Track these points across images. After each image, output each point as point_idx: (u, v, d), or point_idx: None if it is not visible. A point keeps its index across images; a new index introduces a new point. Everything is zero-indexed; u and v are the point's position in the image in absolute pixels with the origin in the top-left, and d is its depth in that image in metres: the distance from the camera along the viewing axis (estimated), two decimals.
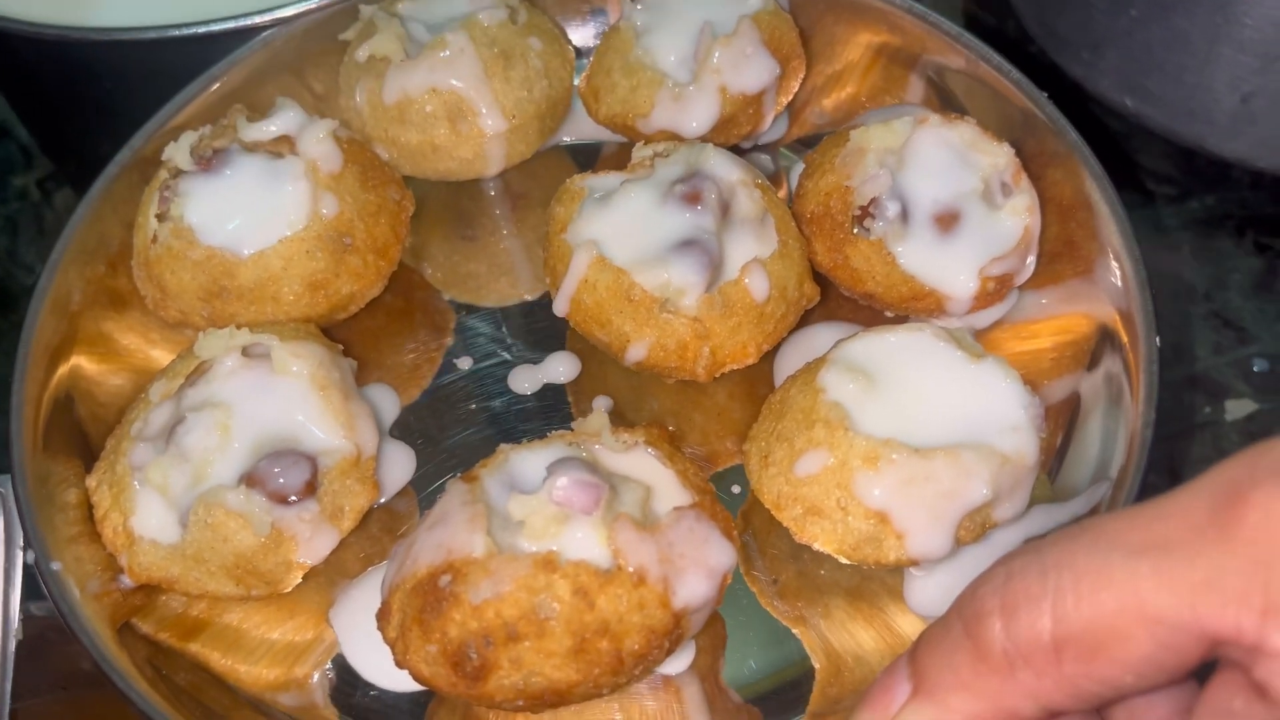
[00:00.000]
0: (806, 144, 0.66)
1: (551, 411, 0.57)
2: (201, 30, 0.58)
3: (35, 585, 0.47)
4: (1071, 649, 0.34)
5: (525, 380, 0.58)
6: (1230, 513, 0.31)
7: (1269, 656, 0.30)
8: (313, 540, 0.48)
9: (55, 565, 0.46)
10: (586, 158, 0.66)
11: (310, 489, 0.47)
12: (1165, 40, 0.64)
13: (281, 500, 0.47)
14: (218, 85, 0.61)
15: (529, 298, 0.62)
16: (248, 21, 0.58)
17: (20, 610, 0.46)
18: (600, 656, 0.41)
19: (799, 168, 0.63)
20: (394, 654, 0.43)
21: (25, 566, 0.47)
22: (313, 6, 0.60)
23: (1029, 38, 0.73)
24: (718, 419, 0.57)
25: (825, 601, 0.51)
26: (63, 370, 0.54)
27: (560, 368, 0.58)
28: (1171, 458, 0.61)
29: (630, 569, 0.41)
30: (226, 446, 0.48)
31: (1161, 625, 0.32)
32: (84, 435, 0.53)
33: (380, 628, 0.44)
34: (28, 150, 0.78)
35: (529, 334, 0.60)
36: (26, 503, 0.47)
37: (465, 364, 0.59)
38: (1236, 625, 0.31)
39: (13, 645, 0.46)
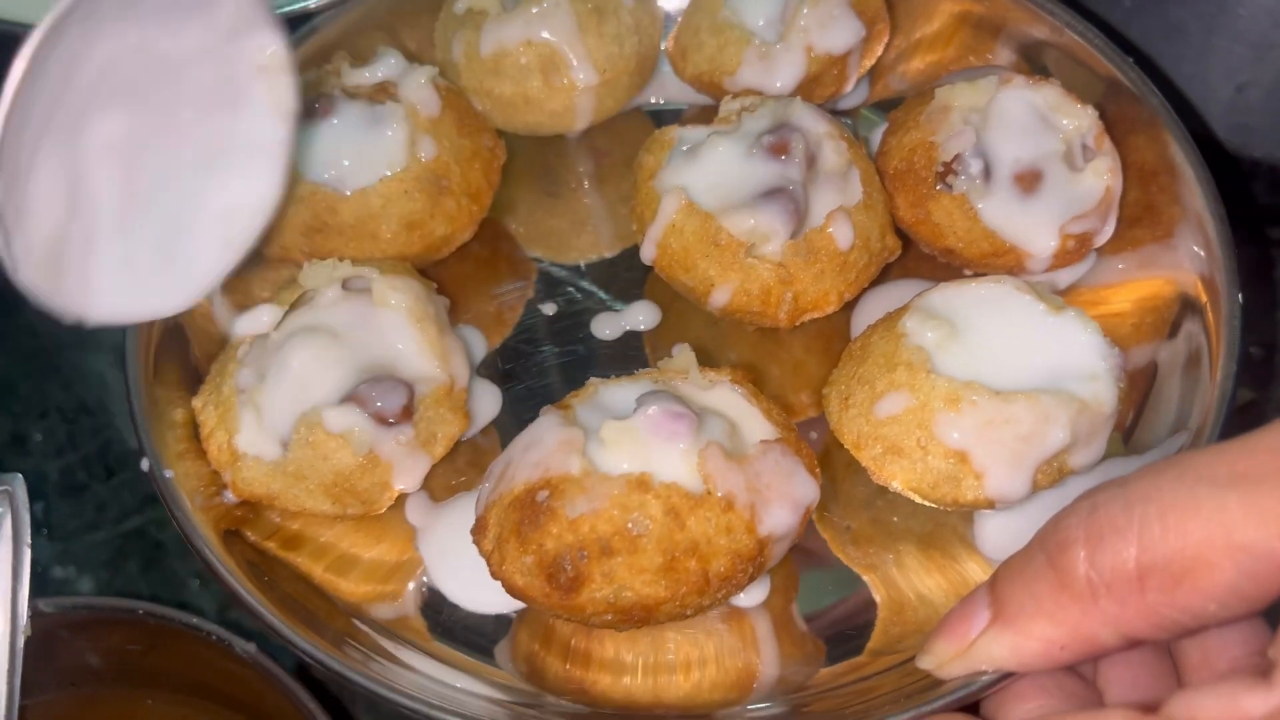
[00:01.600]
0: (887, 108, 0.66)
1: (633, 357, 0.59)
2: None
3: (43, 582, 0.49)
4: (1156, 577, 0.35)
5: (607, 326, 0.59)
6: None
7: None
8: (407, 463, 0.50)
9: (168, 473, 0.48)
10: (669, 120, 0.67)
11: (407, 413, 0.49)
12: (1161, 30, 0.64)
13: (381, 422, 0.49)
14: (316, 37, 0.63)
15: (609, 254, 0.63)
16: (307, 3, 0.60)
17: (29, 607, 0.46)
18: (688, 575, 0.43)
19: (880, 131, 0.64)
20: (489, 565, 0.45)
21: (33, 563, 0.47)
22: None
23: None
24: (794, 371, 0.58)
25: (897, 548, 0.52)
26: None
27: (641, 316, 0.60)
28: None
29: (719, 494, 0.43)
30: (328, 370, 0.50)
31: (1247, 554, 0.33)
32: (189, 368, 0.55)
33: (476, 541, 0.46)
34: None
35: (612, 284, 0.61)
36: (140, 416, 0.50)
37: (549, 309, 0.60)
38: None
39: (21, 642, 0.46)
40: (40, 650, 0.47)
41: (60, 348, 0.70)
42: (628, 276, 0.61)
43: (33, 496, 0.47)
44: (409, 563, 0.53)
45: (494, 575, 0.45)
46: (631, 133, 0.67)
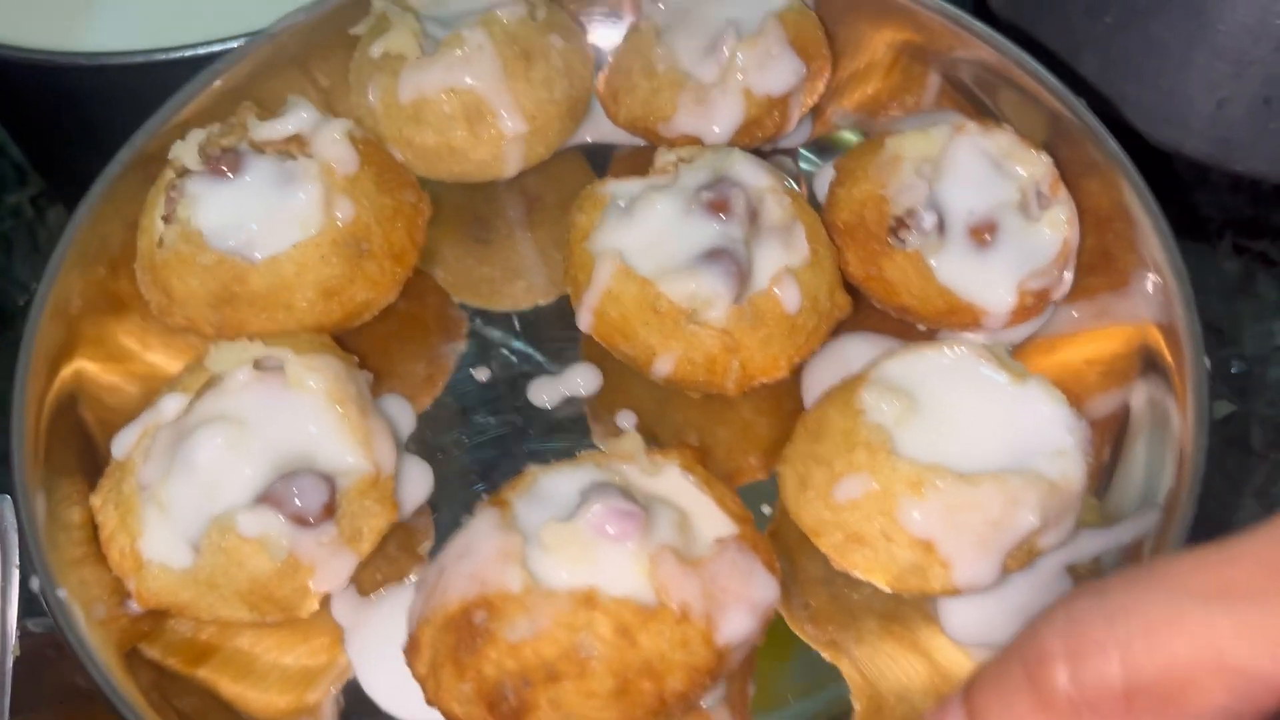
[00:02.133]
0: (826, 146, 0.64)
1: (572, 426, 0.55)
2: (188, 54, 0.59)
3: (32, 602, 0.46)
4: (1142, 698, 0.33)
5: (545, 392, 0.56)
6: None
7: None
8: (331, 565, 0.46)
9: (61, 592, 0.44)
10: (601, 157, 0.64)
11: (329, 511, 0.45)
12: (1141, 46, 0.64)
13: (300, 523, 0.45)
14: (220, 81, 0.58)
15: (543, 302, 0.60)
16: (232, 45, 0.58)
17: (17, 627, 0.46)
18: (643, 697, 0.39)
19: (823, 170, 0.61)
20: (424, 691, 0.41)
21: (22, 584, 0.46)
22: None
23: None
24: (743, 434, 0.55)
25: (858, 626, 0.50)
26: (64, 377, 0.51)
27: (580, 380, 0.56)
28: None
29: (674, 605, 0.40)
30: (239, 465, 0.46)
31: (1240, 676, 0.31)
32: (87, 450, 0.51)
33: (409, 663, 0.42)
34: (20, 168, 0.77)
35: (548, 342, 0.58)
36: (29, 524, 0.45)
37: (482, 375, 0.57)
38: None
39: (10, 662, 0.46)
40: (28, 670, 0.47)
41: None
42: (563, 333, 0.58)
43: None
44: (331, 666, 0.49)
45: (429, 702, 0.41)
46: (565, 174, 0.63)
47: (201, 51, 0.59)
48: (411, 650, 0.42)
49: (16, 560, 0.46)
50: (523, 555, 0.41)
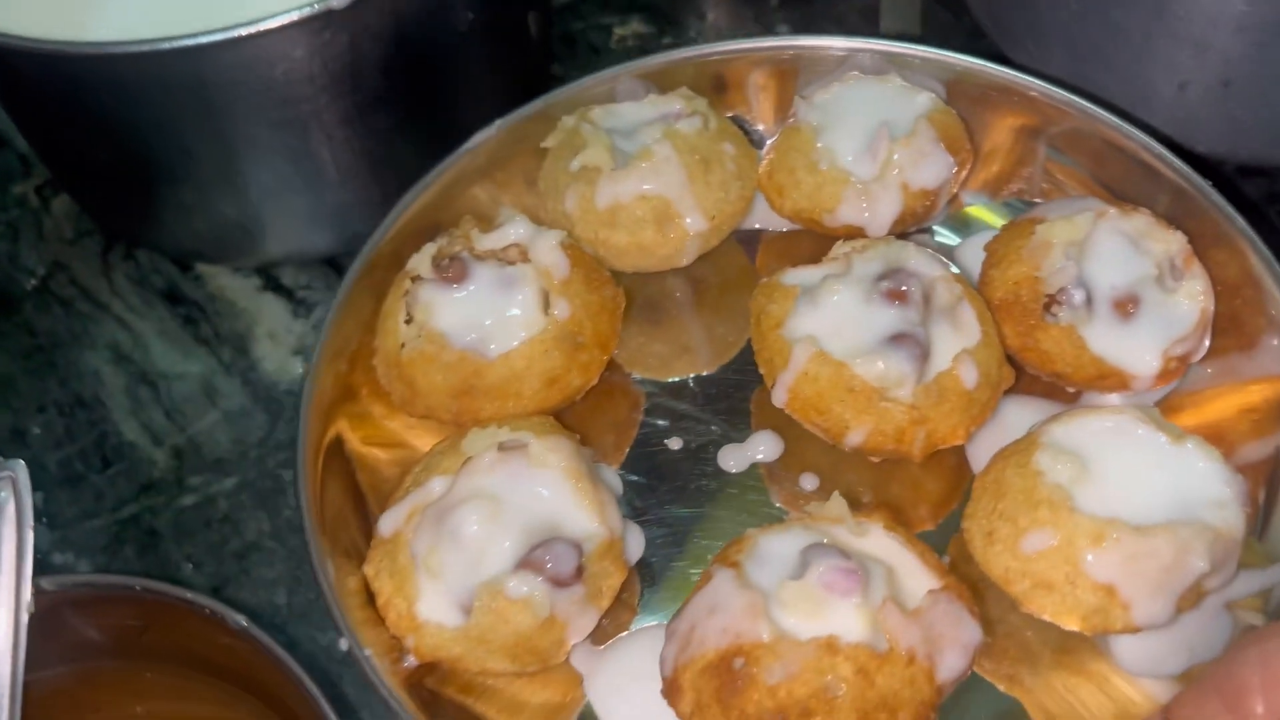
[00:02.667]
0: (959, 221, 0.71)
1: (753, 487, 0.62)
2: (191, 43, 0.60)
3: (43, 568, 0.51)
4: None
5: (732, 459, 0.63)
6: None
7: None
8: (580, 619, 0.53)
9: (367, 651, 0.51)
10: (751, 241, 0.71)
11: (579, 573, 0.53)
12: (1104, 32, 0.67)
13: (556, 584, 0.52)
14: (425, 195, 0.66)
15: (706, 373, 0.67)
16: (235, 34, 0.59)
17: (32, 586, 0.49)
18: None
19: (964, 246, 0.68)
20: None
21: (34, 549, 0.49)
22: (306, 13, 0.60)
23: (983, 31, 0.77)
24: (912, 489, 0.62)
25: (1032, 660, 0.55)
26: (327, 464, 0.59)
27: (763, 447, 0.63)
28: None
29: (903, 650, 0.46)
30: (500, 536, 0.53)
31: None
32: (352, 524, 0.58)
33: (671, 703, 0.49)
34: (26, 159, 0.83)
35: (724, 412, 0.64)
36: (334, 598, 0.52)
37: (675, 444, 0.64)
38: None
39: (26, 618, 0.48)
40: (43, 628, 0.49)
41: (56, 345, 0.75)
42: (737, 403, 0.64)
43: (32, 487, 0.50)
44: (574, 704, 0.56)
45: None
46: (723, 260, 0.70)
47: (205, 40, 0.59)
48: (673, 692, 0.49)
49: (31, 521, 0.49)
50: (767, 610, 0.47)
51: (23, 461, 0.50)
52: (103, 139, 0.69)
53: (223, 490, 0.70)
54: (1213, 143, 0.70)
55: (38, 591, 0.49)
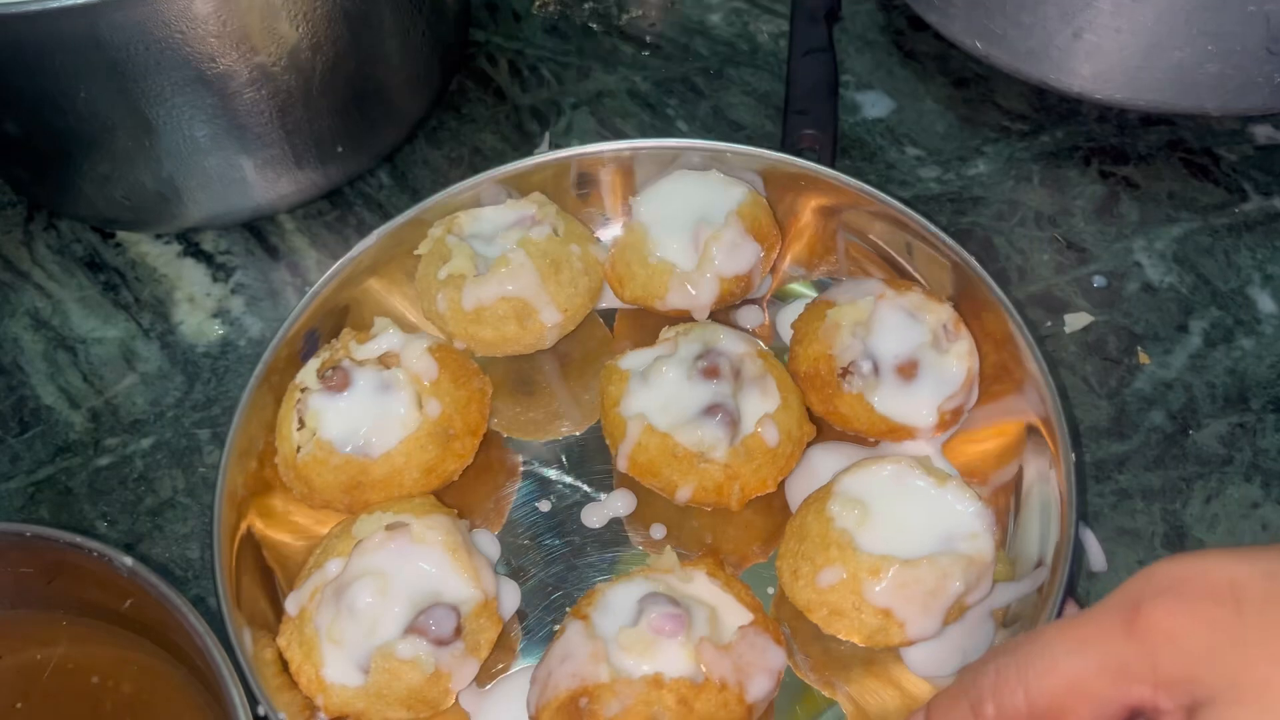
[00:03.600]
0: (781, 293, 0.82)
1: (617, 538, 0.73)
2: (79, 1, 0.61)
3: None
4: (1039, 718, 0.50)
5: (594, 515, 0.73)
6: (1132, 619, 0.46)
7: (1163, 714, 0.46)
8: (461, 670, 0.63)
9: (281, 715, 0.61)
10: (610, 318, 0.82)
11: (459, 632, 0.63)
12: None
13: (439, 643, 0.62)
14: (318, 299, 0.76)
15: (578, 433, 0.77)
16: None
17: None
18: None
19: (781, 313, 0.80)
20: None
21: None
22: None
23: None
24: (745, 530, 0.72)
25: (846, 671, 0.67)
26: (241, 540, 0.69)
27: (620, 503, 0.74)
28: None
29: (715, 680, 0.57)
30: (387, 604, 0.63)
31: (1096, 699, 0.48)
32: (262, 592, 0.68)
33: None
34: None
35: (589, 474, 0.75)
36: (250, 669, 0.62)
37: (545, 506, 0.74)
38: (1140, 696, 0.46)
39: None
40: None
41: None
42: (600, 466, 0.75)
43: None
44: None
45: None
46: (585, 335, 0.81)
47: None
48: None
49: None
50: (607, 655, 0.58)
51: None
52: (13, 108, 0.71)
53: (139, 450, 0.75)
54: (1111, 90, 0.72)
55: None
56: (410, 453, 0.68)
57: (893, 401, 0.70)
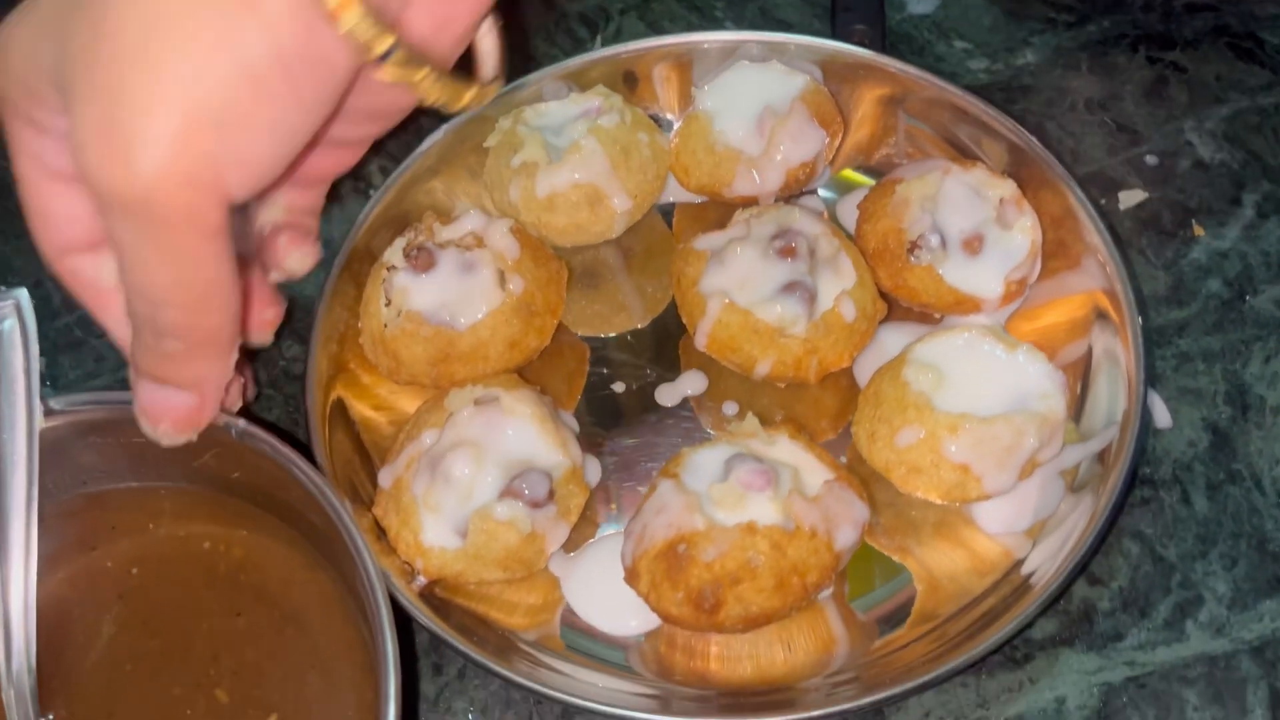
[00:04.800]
0: (839, 182, 0.84)
1: (686, 417, 0.75)
2: None
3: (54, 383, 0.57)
4: None
5: (668, 395, 0.76)
6: None
7: None
8: (554, 532, 0.66)
9: (385, 570, 0.64)
10: (668, 213, 0.84)
11: (551, 495, 0.65)
12: None
13: (534, 506, 0.65)
14: (387, 195, 0.78)
15: (641, 325, 0.79)
16: None
17: (41, 403, 0.52)
18: (793, 589, 0.60)
19: (840, 202, 0.82)
20: (649, 603, 0.61)
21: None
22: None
23: None
24: (814, 407, 0.75)
25: (917, 533, 0.69)
26: (331, 426, 0.71)
27: (691, 384, 0.76)
28: None
29: (806, 528, 0.60)
30: (482, 472, 0.66)
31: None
32: (356, 474, 0.71)
33: (632, 585, 0.62)
34: None
35: (657, 357, 0.77)
36: (356, 532, 0.65)
37: (619, 387, 0.77)
38: None
39: (37, 434, 0.50)
40: (54, 450, 0.53)
41: None
42: (667, 349, 0.77)
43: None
44: (553, 601, 0.69)
45: (652, 609, 0.61)
46: (647, 230, 0.83)
47: None
48: (632, 578, 0.62)
49: (36, 343, 0.51)
50: (701, 507, 0.61)
51: (25, 289, 0.54)
52: None
53: None
54: None
55: (47, 411, 0.52)
56: (495, 326, 0.70)
57: (960, 274, 0.72)
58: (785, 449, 0.65)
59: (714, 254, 0.72)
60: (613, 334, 0.79)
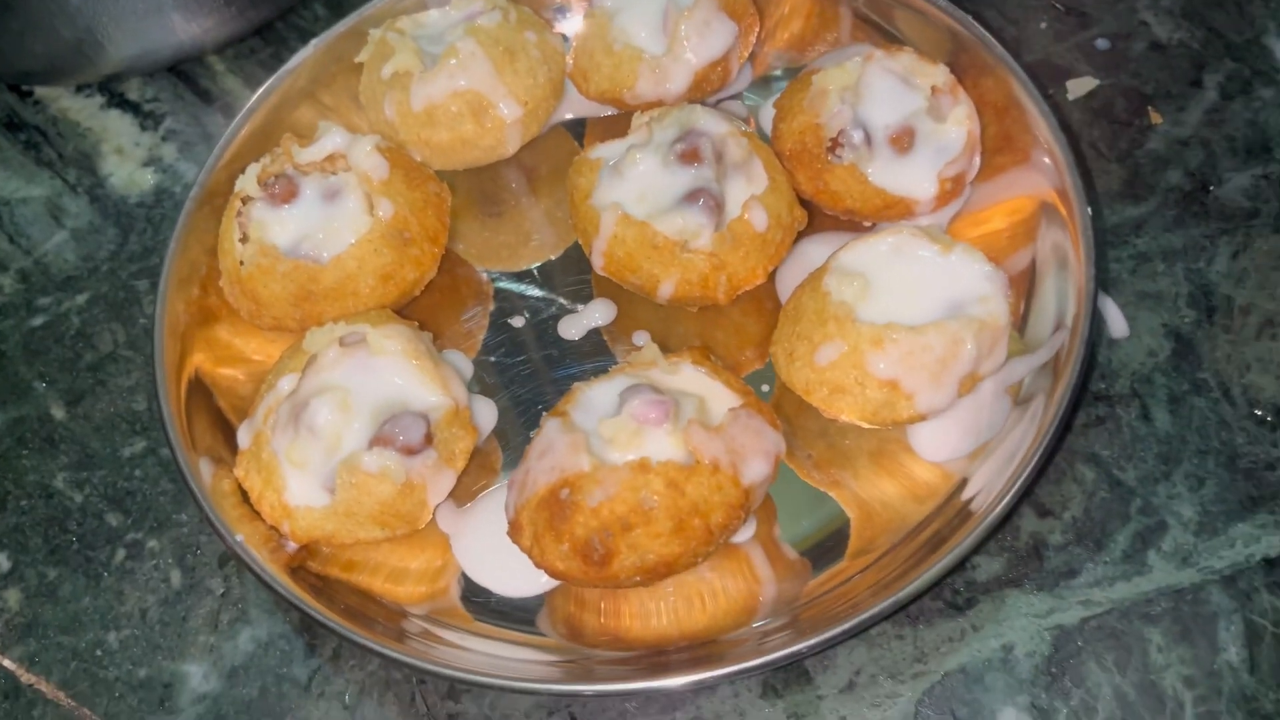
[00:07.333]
0: (765, 85, 0.76)
1: (597, 350, 0.67)
2: None
3: None
4: None
5: (572, 328, 0.68)
6: None
7: None
8: (437, 481, 0.59)
9: (239, 537, 0.56)
10: (578, 128, 0.75)
11: (429, 440, 0.58)
12: None
13: (408, 453, 0.57)
14: (252, 120, 0.70)
15: (554, 256, 0.71)
16: None
17: None
18: (695, 532, 0.52)
19: (765, 107, 0.73)
20: (531, 558, 0.54)
21: None
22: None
23: None
24: (736, 333, 0.67)
25: (852, 465, 0.62)
26: (188, 378, 0.64)
27: (598, 313, 0.68)
28: None
29: (706, 461, 0.52)
30: (349, 420, 0.58)
31: None
32: (221, 433, 0.63)
33: (514, 540, 0.54)
34: None
35: (564, 287, 0.69)
36: (205, 500, 0.57)
37: (518, 322, 0.69)
38: None
39: None
40: None
41: None
42: (576, 277, 0.69)
43: None
44: (447, 565, 0.61)
45: (537, 565, 0.54)
46: (552, 146, 0.75)
47: None
48: (514, 531, 0.54)
49: None
50: (588, 445, 0.53)
51: None
52: None
53: (74, 306, 0.71)
54: None
55: None
56: (363, 257, 0.62)
57: (888, 173, 0.64)
58: (689, 377, 0.58)
59: (609, 163, 0.64)
60: (520, 267, 0.71)
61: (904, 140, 0.64)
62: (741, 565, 0.59)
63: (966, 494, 0.58)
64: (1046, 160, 0.65)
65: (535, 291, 0.70)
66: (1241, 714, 0.54)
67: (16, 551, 0.64)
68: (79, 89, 0.80)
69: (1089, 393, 0.63)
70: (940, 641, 0.56)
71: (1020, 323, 0.62)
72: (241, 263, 0.63)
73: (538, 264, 0.71)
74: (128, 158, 0.78)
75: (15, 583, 0.63)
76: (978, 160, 0.66)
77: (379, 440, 0.57)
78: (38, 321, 0.72)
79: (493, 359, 0.68)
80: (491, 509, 0.61)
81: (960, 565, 0.57)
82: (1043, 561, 0.58)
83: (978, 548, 0.55)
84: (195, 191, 0.67)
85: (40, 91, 0.80)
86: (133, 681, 0.60)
